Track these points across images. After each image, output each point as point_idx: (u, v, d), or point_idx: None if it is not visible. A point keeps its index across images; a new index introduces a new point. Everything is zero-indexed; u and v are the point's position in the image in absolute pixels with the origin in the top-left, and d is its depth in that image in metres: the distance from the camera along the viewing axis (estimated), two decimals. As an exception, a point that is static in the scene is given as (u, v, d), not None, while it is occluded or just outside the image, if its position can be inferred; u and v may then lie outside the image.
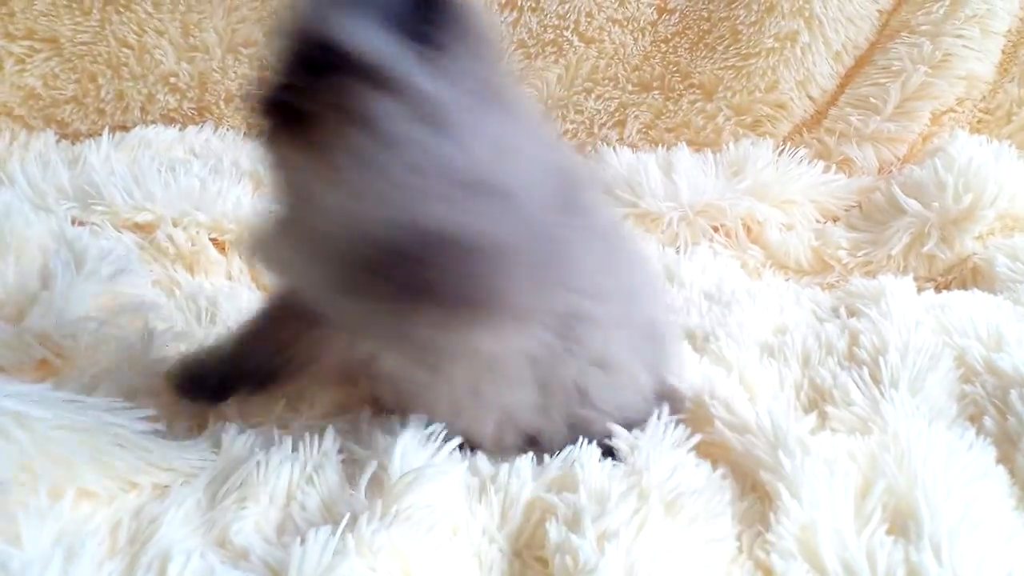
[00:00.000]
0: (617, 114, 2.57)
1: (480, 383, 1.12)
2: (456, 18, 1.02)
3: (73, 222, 1.87)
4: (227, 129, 2.52)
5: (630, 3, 2.52)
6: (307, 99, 0.97)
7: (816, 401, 1.38)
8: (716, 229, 2.23)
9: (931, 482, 1.06)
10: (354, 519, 0.99)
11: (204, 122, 2.53)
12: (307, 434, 1.17)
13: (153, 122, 2.51)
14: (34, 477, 1.01)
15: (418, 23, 0.99)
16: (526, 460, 1.16)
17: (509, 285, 0.99)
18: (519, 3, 2.52)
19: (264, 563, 0.96)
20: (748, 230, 2.24)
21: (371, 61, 0.96)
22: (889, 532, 1.02)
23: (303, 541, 0.95)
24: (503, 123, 1.06)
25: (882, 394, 1.33)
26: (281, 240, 1.09)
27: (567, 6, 2.52)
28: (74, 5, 2.47)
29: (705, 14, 2.54)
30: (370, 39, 0.97)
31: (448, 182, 0.97)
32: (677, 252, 2.17)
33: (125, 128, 2.49)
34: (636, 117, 2.56)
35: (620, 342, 1.19)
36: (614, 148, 2.43)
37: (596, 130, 2.56)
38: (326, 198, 1.00)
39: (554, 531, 1.00)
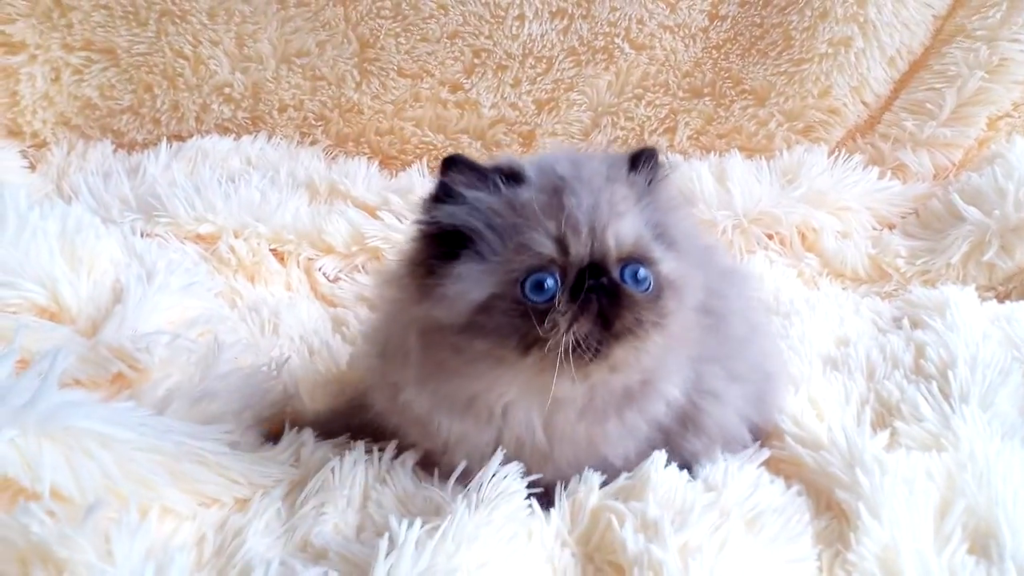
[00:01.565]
0: (667, 121, 2.56)
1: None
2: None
3: (141, 235, 1.90)
4: (281, 139, 2.55)
5: (681, 9, 2.51)
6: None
7: (883, 416, 1.37)
8: (771, 237, 2.20)
9: (1011, 501, 1.06)
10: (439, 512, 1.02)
11: (258, 132, 2.56)
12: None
13: (207, 132, 2.55)
14: (123, 496, 1.03)
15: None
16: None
17: None
18: (570, 10, 2.51)
19: (342, 557, 1.00)
20: (803, 238, 2.22)
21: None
22: (970, 552, 1.01)
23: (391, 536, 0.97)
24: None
25: (952, 409, 1.30)
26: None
27: (618, 13, 2.50)
28: (131, 16, 2.51)
29: (757, 20, 2.51)
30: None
31: None
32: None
33: (180, 138, 2.53)
34: (687, 124, 2.55)
35: (733, 414, 1.22)
36: (666, 155, 2.41)
37: (646, 137, 2.55)
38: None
39: (631, 540, 1.00)
